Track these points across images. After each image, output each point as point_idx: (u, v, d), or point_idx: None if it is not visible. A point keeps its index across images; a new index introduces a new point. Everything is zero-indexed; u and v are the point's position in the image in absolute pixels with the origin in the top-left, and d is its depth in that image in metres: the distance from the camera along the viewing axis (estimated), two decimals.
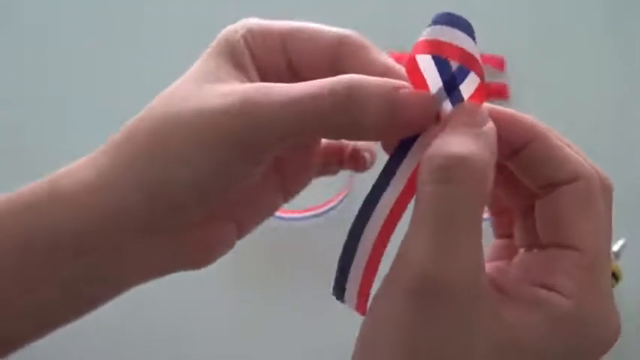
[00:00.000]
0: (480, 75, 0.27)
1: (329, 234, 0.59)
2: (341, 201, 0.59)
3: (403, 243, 0.25)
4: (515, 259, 0.30)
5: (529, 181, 0.29)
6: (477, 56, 0.27)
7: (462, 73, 0.27)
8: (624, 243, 0.56)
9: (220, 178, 0.27)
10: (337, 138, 0.30)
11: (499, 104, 0.69)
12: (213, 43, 0.31)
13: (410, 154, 0.28)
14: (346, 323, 0.57)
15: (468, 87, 0.28)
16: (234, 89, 0.28)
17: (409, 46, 0.29)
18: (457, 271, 0.24)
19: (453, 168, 0.25)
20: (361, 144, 0.35)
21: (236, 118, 0.27)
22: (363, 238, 0.28)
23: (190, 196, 0.28)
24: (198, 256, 0.31)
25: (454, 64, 0.27)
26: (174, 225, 0.29)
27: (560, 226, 0.27)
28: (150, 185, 0.27)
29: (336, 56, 0.29)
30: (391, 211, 0.27)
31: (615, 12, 0.66)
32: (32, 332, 0.29)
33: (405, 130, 0.28)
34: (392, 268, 0.26)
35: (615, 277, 0.55)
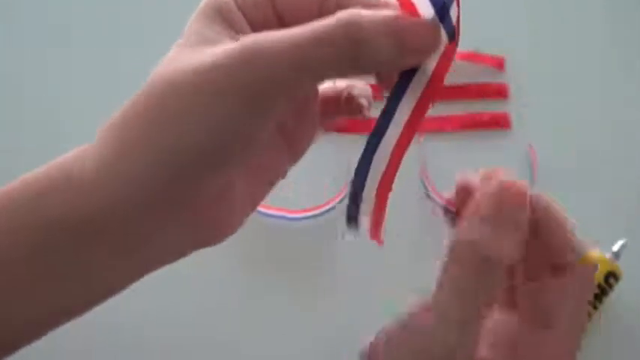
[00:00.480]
0: (458, 5, 0.29)
1: (329, 234, 0.59)
2: (341, 201, 0.59)
3: None
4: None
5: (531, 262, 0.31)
6: None
7: (449, 2, 0.28)
8: (624, 243, 0.56)
9: (232, 134, 0.27)
10: (346, 76, 0.30)
11: (499, 104, 0.70)
12: (201, 6, 0.30)
13: (413, 83, 0.28)
14: (346, 323, 0.57)
15: (454, 14, 0.29)
16: (238, 41, 0.27)
17: None
18: None
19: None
20: (356, 91, 0.34)
21: (245, 68, 0.26)
22: (373, 164, 0.28)
23: (204, 159, 0.27)
24: (216, 231, 0.30)
25: None
26: (192, 195, 0.28)
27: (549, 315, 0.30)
28: (163, 155, 0.26)
29: (324, 3, 0.29)
30: (400, 137, 0.28)
31: (615, 12, 0.66)
32: (52, 321, 0.29)
33: (414, 57, 0.28)
34: None
35: (615, 277, 0.55)
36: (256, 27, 0.30)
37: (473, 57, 0.64)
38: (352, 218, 0.29)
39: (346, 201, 0.29)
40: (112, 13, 0.67)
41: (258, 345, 0.56)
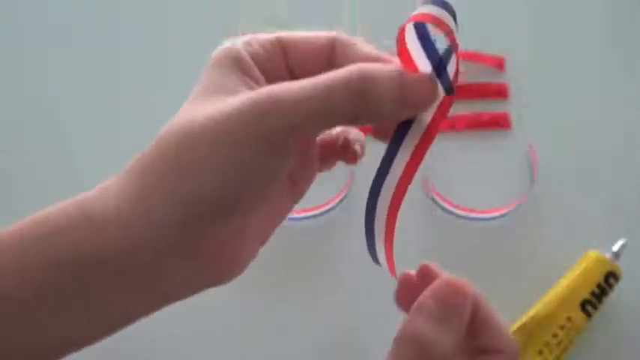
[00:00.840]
0: (458, 59, 0.30)
1: (329, 234, 0.59)
2: (341, 201, 0.59)
3: None
4: None
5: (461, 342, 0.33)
6: (458, 41, 0.30)
7: (448, 54, 0.30)
8: (624, 243, 0.56)
9: (248, 184, 0.28)
10: (352, 124, 0.31)
11: (499, 104, 0.70)
12: (213, 58, 0.31)
13: (410, 132, 0.30)
14: (346, 323, 0.57)
15: (451, 70, 0.30)
16: (254, 93, 0.28)
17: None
18: None
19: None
20: (352, 136, 0.36)
21: (261, 117, 0.27)
22: (378, 205, 0.30)
23: (220, 207, 0.28)
24: (228, 271, 0.32)
25: (440, 48, 0.30)
26: (207, 240, 0.29)
27: None
28: (181, 202, 0.28)
29: (331, 55, 0.31)
30: (399, 183, 0.30)
31: (615, 12, 0.66)
32: (62, 352, 0.30)
33: (413, 110, 0.30)
34: None
35: (615, 277, 0.56)
36: (269, 78, 0.31)
37: (473, 57, 0.64)
38: (372, 255, 0.32)
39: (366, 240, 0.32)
40: (112, 13, 0.67)
41: (258, 345, 0.56)
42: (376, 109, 0.29)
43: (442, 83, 0.30)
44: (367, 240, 0.32)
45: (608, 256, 0.56)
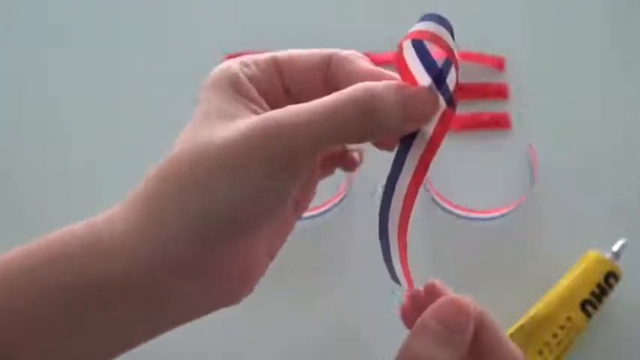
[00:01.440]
0: (457, 72, 0.30)
1: (328, 234, 0.59)
2: (340, 201, 0.59)
3: None
4: None
5: None
6: (456, 53, 0.30)
7: (447, 67, 0.30)
8: (624, 243, 0.56)
9: (256, 205, 0.28)
10: (359, 142, 0.31)
11: (499, 104, 0.70)
12: (214, 80, 0.31)
13: (414, 145, 0.31)
14: (346, 323, 0.57)
15: (451, 82, 0.31)
16: (262, 117, 0.29)
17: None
18: None
19: None
20: (350, 146, 0.37)
21: (270, 141, 0.28)
22: (390, 223, 0.31)
23: (229, 228, 0.28)
24: (239, 289, 0.32)
25: (439, 61, 0.30)
26: (217, 259, 0.29)
27: None
28: (190, 224, 0.28)
29: (328, 74, 0.32)
30: (405, 197, 0.31)
31: (615, 12, 0.66)
32: None
33: (416, 124, 0.30)
34: None
35: (615, 277, 0.55)
36: (267, 98, 0.31)
37: (473, 57, 0.64)
38: (390, 271, 0.33)
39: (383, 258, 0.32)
40: (112, 13, 0.67)
41: (258, 344, 0.56)
42: (382, 127, 0.29)
43: (442, 95, 0.31)
44: (384, 256, 0.32)
45: (608, 256, 0.56)
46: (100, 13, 0.67)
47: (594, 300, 0.55)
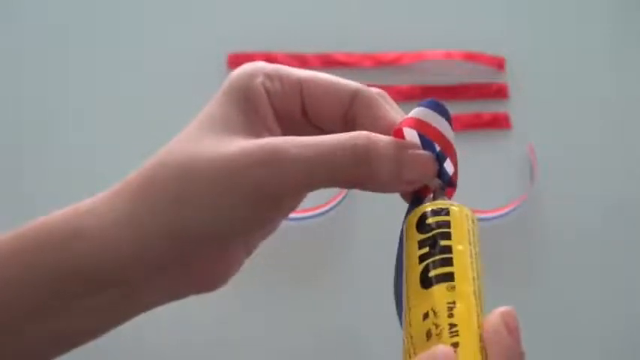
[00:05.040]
0: (455, 163, 0.31)
1: (329, 234, 0.59)
2: (341, 201, 0.59)
3: None
4: None
5: None
6: (454, 145, 0.31)
7: (442, 158, 0.31)
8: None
9: (240, 223, 0.29)
10: (349, 187, 0.32)
11: (499, 104, 0.70)
12: (229, 87, 0.31)
13: None
14: (347, 322, 0.57)
15: (449, 169, 0.31)
16: (257, 142, 0.29)
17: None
18: None
19: None
20: None
21: (265, 169, 0.28)
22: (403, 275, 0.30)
23: (209, 239, 0.29)
24: (214, 282, 0.33)
25: (437, 146, 0.31)
26: (195, 261, 0.30)
27: None
28: (172, 228, 0.29)
29: (350, 108, 0.31)
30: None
31: (616, 12, 0.66)
32: (55, 352, 0.31)
33: (412, 185, 0.31)
34: None
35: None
36: (280, 115, 0.31)
37: (473, 57, 0.64)
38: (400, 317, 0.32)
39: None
40: (112, 13, 0.67)
41: (258, 344, 0.56)
42: (374, 179, 0.29)
43: (442, 178, 0.31)
44: (398, 312, 0.31)
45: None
46: (100, 13, 0.67)
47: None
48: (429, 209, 0.29)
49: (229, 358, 0.56)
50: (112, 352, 0.55)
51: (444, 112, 0.31)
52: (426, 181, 0.31)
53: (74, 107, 0.64)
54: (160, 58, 0.65)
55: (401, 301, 0.30)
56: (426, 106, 0.31)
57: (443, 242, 0.28)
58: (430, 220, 0.29)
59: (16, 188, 0.61)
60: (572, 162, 0.62)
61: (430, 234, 0.28)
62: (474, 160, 0.61)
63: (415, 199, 0.31)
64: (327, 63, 0.63)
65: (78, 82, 0.65)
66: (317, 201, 0.59)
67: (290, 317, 0.57)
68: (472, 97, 0.63)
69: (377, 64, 0.64)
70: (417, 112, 0.31)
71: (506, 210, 0.59)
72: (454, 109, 0.63)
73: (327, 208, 0.59)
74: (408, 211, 0.31)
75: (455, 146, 0.31)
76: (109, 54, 0.65)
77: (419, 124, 0.30)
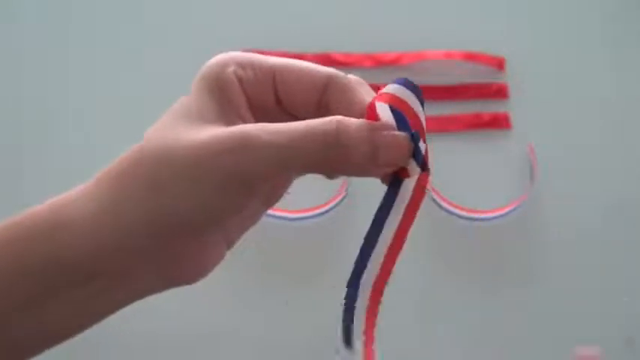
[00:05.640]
0: (425, 144, 0.31)
1: (329, 234, 0.59)
2: (341, 201, 0.59)
3: None
4: None
5: None
6: (424, 125, 0.30)
7: (417, 138, 0.30)
8: None
9: (215, 208, 0.30)
10: (324, 174, 0.32)
11: (499, 104, 0.70)
12: (201, 77, 0.31)
13: (398, 198, 0.31)
14: None
15: (422, 149, 0.31)
16: (229, 130, 0.29)
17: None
18: None
19: None
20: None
21: (235, 155, 0.29)
22: (363, 282, 0.31)
23: (187, 225, 0.30)
24: (194, 273, 0.33)
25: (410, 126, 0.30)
26: (174, 248, 0.30)
27: None
28: (150, 217, 0.29)
29: (324, 94, 0.31)
30: (387, 255, 0.31)
31: (615, 12, 0.66)
32: (43, 345, 0.31)
33: (384, 167, 0.30)
34: None
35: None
36: (254, 103, 0.31)
37: (473, 57, 0.64)
38: (347, 335, 0.31)
39: (341, 316, 0.31)
40: (112, 13, 0.67)
41: (258, 344, 0.56)
42: (347, 163, 0.29)
43: (416, 159, 0.31)
44: (345, 307, 0.31)
45: None
46: (100, 12, 0.67)
47: None
48: None
49: (229, 357, 0.57)
50: (100, 346, 0.55)
51: (417, 93, 0.30)
52: (401, 163, 0.30)
53: (74, 107, 0.64)
54: (160, 58, 0.65)
55: (357, 284, 0.31)
56: (401, 84, 0.30)
57: None
58: None
59: (16, 188, 0.61)
60: (572, 162, 0.62)
61: None
62: (474, 160, 0.61)
63: (394, 181, 0.31)
64: (327, 63, 0.63)
65: (78, 82, 0.65)
66: (317, 201, 0.59)
67: (289, 317, 0.57)
68: (472, 97, 0.63)
69: (377, 64, 0.64)
70: (392, 88, 0.30)
71: (506, 210, 0.59)
72: (454, 109, 0.64)
73: (327, 208, 0.59)
74: (387, 194, 0.31)
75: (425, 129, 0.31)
76: (109, 54, 0.65)
77: (393, 100, 0.30)
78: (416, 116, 0.30)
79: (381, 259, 0.31)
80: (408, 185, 0.31)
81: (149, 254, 0.30)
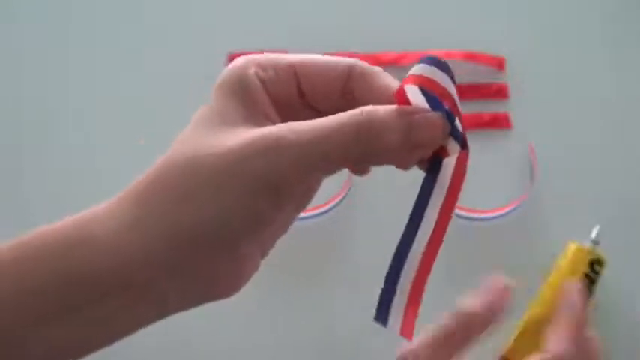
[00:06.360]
0: (461, 122, 0.30)
1: (329, 234, 0.59)
2: (341, 201, 0.59)
3: None
4: None
5: None
6: (458, 101, 0.29)
7: (451, 118, 0.30)
8: (599, 229, 0.55)
9: (246, 217, 0.29)
10: (358, 166, 0.31)
11: (499, 104, 0.70)
12: (222, 82, 0.31)
13: (440, 178, 0.30)
14: (347, 322, 0.57)
15: (459, 127, 0.30)
16: (256, 132, 0.29)
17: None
18: None
19: None
20: None
21: (263, 160, 0.28)
22: (407, 260, 0.30)
23: (215, 237, 0.29)
24: (227, 287, 0.32)
25: (445, 104, 0.29)
26: (205, 264, 0.29)
27: None
28: (173, 230, 0.28)
29: (347, 84, 0.31)
30: (432, 235, 0.30)
31: (615, 12, 0.67)
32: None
33: (423, 149, 0.30)
34: None
35: (600, 263, 0.55)
36: (278, 101, 0.31)
37: (473, 57, 0.64)
38: (383, 313, 0.30)
39: (380, 292, 0.31)
40: (112, 13, 0.67)
41: (258, 344, 0.56)
42: (384, 151, 0.29)
43: (454, 136, 0.30)
44: (383, 295, 0.30)
45: (587, 244, 0.55)
46: (100, 12, 0.67)
47: (585, 289, 0.54)
48: None
49: (229, 357, 0.57)
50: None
51: (446, 69, 0.29)
52: (438, 143, 0.30)
53: (74, 107, 0.64)
54: (160, 58, 0.65)
55: (404, 257, 0.29)
56: (428, 63, 0.29)
57: None
58: None
59: (16, 188, 0.61)
60: (572, 162, 0.62)
61: None
62: (473, 160, 0.61)
63: (432, 165, 0.30)
64: None
65: (78, 82, 0.65)
66: (317, 201, 0.59)
67: (290, 317, 0.57)
68: (472, 97, 0.63)
69: (377, 64, 0.64)
70: (419, 68, 0.29)
71: (506, 210, 0.59)
72: None
73: (327, 208, 0.59)
74: (427, 179, 0.30)
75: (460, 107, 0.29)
76: (109, 54, 0.65)
77: (422, 80, 0.29)
78: (448, 94, 0.29)
79: (426, 241, 0.30)
80: (448, 165, 0.30)
81: (173, 269, 0.29)
